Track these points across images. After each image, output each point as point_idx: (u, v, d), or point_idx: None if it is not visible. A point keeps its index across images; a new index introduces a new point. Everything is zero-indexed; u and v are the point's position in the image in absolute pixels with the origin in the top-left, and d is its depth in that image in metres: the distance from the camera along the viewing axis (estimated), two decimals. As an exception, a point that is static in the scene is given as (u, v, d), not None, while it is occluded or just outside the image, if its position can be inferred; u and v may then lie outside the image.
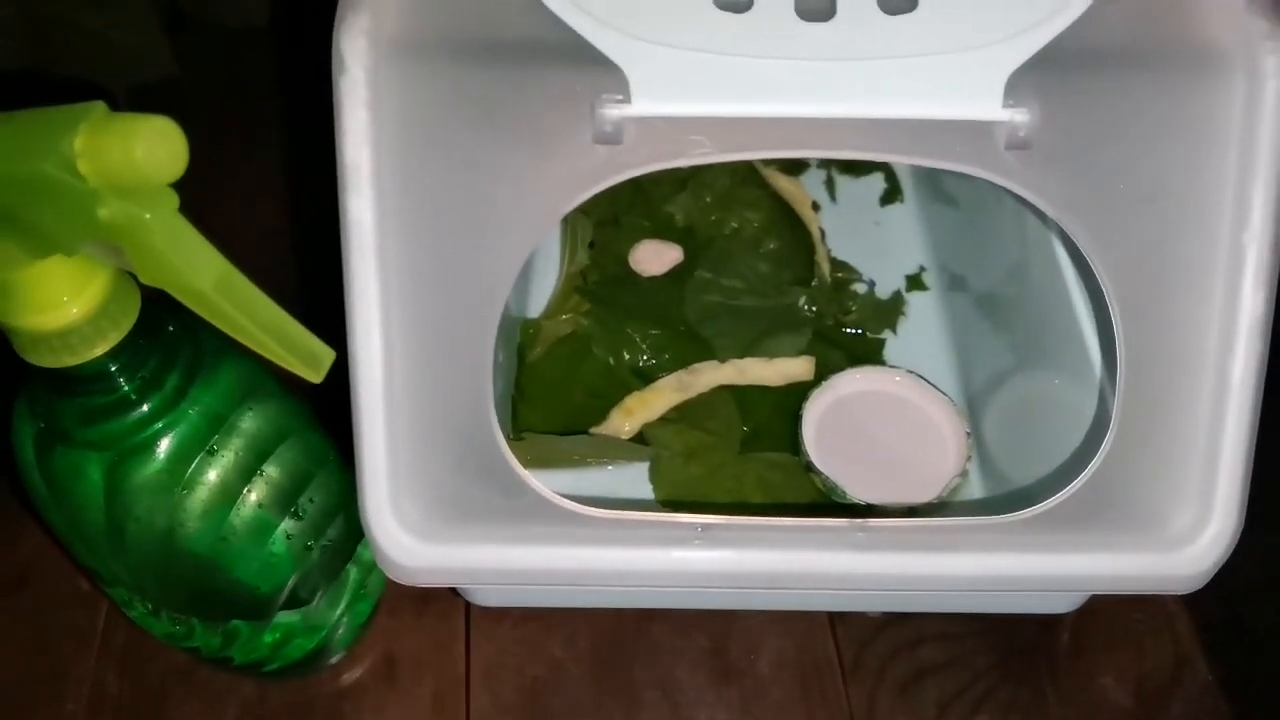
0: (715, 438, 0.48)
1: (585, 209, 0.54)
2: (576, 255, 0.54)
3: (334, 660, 0.42)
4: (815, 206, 0.57)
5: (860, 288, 0.54)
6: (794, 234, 0.55)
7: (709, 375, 0.50)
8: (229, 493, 0.34)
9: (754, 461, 0.47)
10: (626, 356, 0.51)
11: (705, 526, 0.33)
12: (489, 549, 0.33)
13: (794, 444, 0.47)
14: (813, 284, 0.53)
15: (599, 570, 0.33)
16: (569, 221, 0.55)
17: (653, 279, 0.53)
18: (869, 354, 0.51)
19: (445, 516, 0.33)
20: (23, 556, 0.45)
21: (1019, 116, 0.30)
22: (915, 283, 0.55)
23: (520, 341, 0.51)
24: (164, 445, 0.32)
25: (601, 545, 0.33)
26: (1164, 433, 0.33)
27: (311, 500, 0.37)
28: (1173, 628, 0.44)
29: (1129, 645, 0.43)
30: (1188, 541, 0.33)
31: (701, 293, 0.52)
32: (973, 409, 0.49)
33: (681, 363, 0.50)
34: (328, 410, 0.36)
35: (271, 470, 0.35)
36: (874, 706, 0.41)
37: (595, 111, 0.30)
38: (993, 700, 0.42)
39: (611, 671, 0.42)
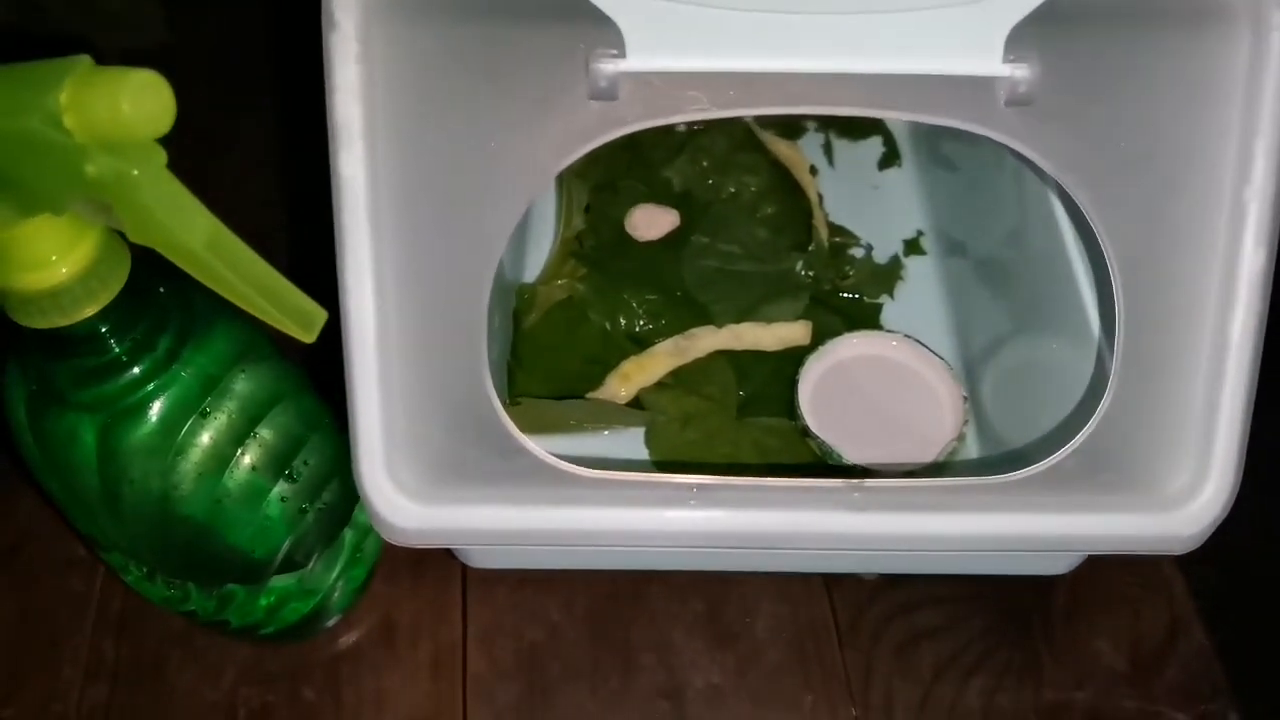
0: (712, 403, 0.48)
1: (581, 172, 0.54)
2: (572, 220, 0.53)
3: (330, 624, 0.42)
4: (813, 171, 0.56)
5: (858, 252, 0.54)
6: (791, 198, 0.54)
7: (706, 340, 0.49)
8: (222, 455, 0.34)
9: (750, 426, 0.47)
10: (623, 322, 0.50)
11: (700, 487, 0.33)
12: (484, 510, 0.33)
13: (791, 409, 0.47)
14: (810, 249, 0.52)
15: (594, 531, 0.33)
16: (564, 185, 0.54)
17: (649, 244, 0.53)
18: (866, 319, 0.51)
19: (440, 478, 0.33)
20: (18, 522, 0.45)
21: (1019, 72, 0.30)
22: (913, 247, 0.55)
23: (516, 307, 0.51)
24: (156, 407, 0.32)
25: (597, 505, 0.33)
26: (1162, 392, 0.33)
27: (306, 463, 0.36)
28: (1169, 591, 0.44)
29: (1124, 609, 0.43)
30: (1185, 501, 0.33)
31: (698, 258, 0.52)
32: (970, 373, 0.49)
33: (678, 328, 0.50)
34: (324, 376, 0.35)
35: (265, 433, 0.35)
36: (870, 670, 0.42)
37: (590, 66, 0.30)
38: (988, 663, 0.42)
39: (608, 635, 0.42)
